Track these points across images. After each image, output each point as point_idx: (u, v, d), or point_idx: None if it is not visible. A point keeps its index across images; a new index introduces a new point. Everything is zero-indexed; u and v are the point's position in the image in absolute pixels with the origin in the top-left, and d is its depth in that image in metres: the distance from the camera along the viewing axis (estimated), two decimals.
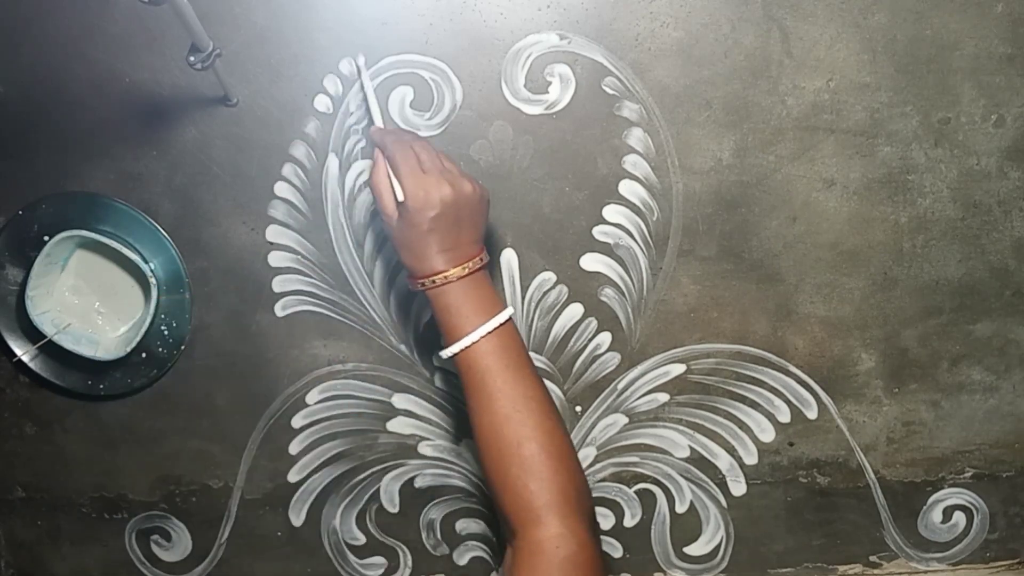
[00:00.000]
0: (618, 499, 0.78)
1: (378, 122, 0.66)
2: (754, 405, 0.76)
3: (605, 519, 0.79)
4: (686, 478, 0.78)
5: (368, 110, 0.69)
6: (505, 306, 0.60)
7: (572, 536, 0.55)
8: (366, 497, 0.79)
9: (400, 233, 0.59)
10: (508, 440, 0.57)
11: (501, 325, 0.59)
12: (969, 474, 0.78)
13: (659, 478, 0.78)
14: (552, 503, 0.55)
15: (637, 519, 0.79)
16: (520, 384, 0.58)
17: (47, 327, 0.72)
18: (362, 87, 0.69)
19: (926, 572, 0.79)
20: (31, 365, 0.76)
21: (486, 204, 0.62)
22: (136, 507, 0.80)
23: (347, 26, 0.69)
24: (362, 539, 0.80)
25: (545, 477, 0.56)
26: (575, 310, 0.74)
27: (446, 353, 0.59)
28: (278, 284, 0.74)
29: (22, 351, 0.75)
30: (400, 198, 0.58)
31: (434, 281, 0.59)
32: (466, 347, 0.58)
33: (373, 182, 0.61)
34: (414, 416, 0.77)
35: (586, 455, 0.77)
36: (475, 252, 0.60)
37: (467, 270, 0.59)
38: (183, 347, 0.75)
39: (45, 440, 0.79)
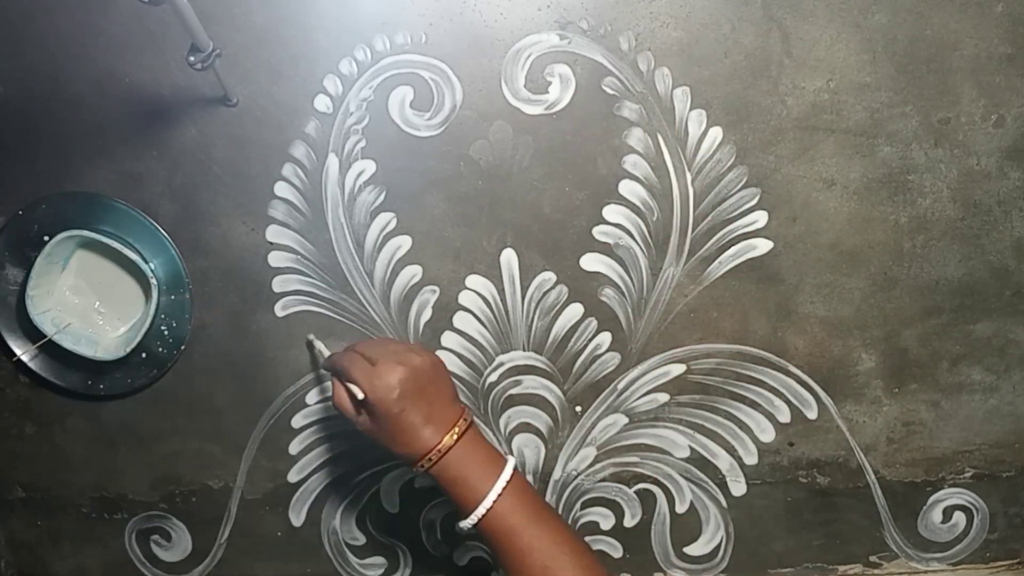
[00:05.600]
0: (618, 499, 0.78)
1: (326, 353, 0.69)
2: (754, 405, 0.76)
3: (605, 519, 0.79)
4: (686, 478, 0.78)
5: (319, 351, 0.72)
6: (506, 458, 0.61)
7: None
8: (366, 497, 0.79)
9: (379, 429, 0.60)
10: None
11: (510, 479, 0.59)
12: (969, 474, 0.78)
13: (659, 478, 0.78)
14: None
15: (637, 519, 0.79)
16: (547, 533, 0.59)
17: (47, 327, 0.72)
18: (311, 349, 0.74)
19: (926, 572, 0.79)
20: (31, 365, 0.76)
21: (442, 367, 0.63)
22: (136, 507, 0.80)
23: (347, 26, 0.69)
24: (362, 539, 0.80)
25: None
26: (575, 310, 0.74)
27: (467, 524, 0.59)
28: (278, 284, 0.74)
29: (22, 351, 0.75)
30: (360, 398, 0.59)
31: (431, 459, 0.59)
32: (485, 513, 0.58)
33: (334, 402, 0.62)
34: None
35: (586, 455, 0.77)
36: (456, 414, 0.61)
37: (457, 434, 0.60)
38: (183, 347, 0.75)
39: (45, 440, 0.79)
